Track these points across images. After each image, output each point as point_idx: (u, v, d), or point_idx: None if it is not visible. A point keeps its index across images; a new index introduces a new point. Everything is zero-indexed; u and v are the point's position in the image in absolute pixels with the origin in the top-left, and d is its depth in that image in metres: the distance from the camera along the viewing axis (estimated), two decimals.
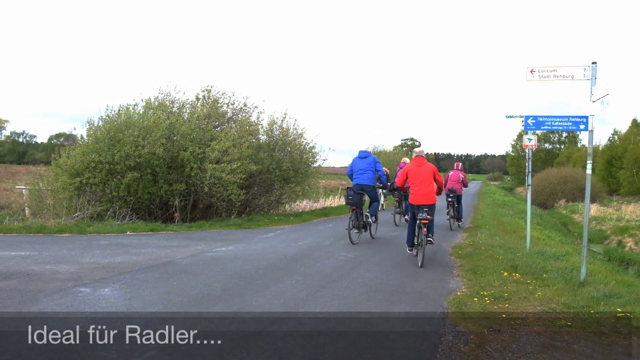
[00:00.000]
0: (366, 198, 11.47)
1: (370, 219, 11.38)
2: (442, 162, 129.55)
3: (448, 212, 14.69)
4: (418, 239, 9.05)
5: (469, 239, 12.43)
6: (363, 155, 11.48)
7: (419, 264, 8.62)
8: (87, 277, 7.13)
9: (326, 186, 25.43)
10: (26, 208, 15.78)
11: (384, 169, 13.14)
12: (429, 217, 8.73)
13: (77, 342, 4.50)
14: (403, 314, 5.74)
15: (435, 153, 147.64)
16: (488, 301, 6.25)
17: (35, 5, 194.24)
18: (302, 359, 4.29)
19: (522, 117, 10.11)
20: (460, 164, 15.77)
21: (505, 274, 7.81)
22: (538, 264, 8.42)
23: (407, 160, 15.01)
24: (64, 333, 4.71)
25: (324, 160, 19.40)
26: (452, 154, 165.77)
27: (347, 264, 8.65)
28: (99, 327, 4.93)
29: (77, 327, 4.90)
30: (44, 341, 4.45)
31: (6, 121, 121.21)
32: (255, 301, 6.07)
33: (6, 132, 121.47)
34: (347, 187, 11.51)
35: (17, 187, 21.94)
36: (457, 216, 14.83)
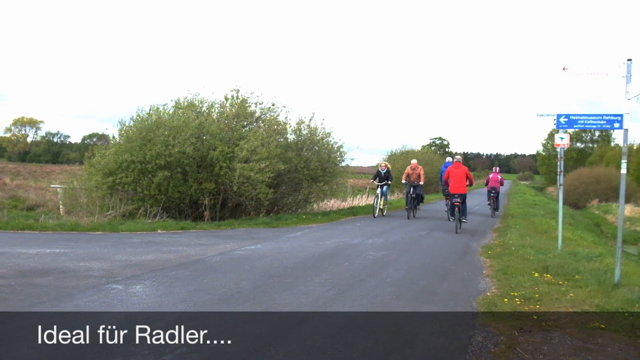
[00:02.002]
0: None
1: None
2: (470, 161, 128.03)
3: (489, 203, 19.16)
4: (455, 217, 13.61)
5: (499, 239, 12.28)
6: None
7: (456, 231, 13.31)
8: (119, 274, 7.28)
9: (354, 185, 25.44)
10: (61, 206, 16.19)
11: (384, 163, 17.57)
12: (459, 200, 13.49)
13: (108, 338, 4.60)
14: (432, 313, 5.70)
15: (464, 152, 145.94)
16: (519, 302, 6.16)
17: (68, 8, 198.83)
18: (331, 358, 4.30)
19: (554, 115, 9.95)
20: (498, 167, 21.22)
21: (536, 274, 7.69)
22: (570, 265, 8.27)
23: (450, 159, 18.14)
24: (98, 329, 4.84)
25: (351, 159, 19.40)
26: (481, 153, 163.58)
27: (376, 263, 8.63)
28: (130, 323, 5.05)
29: (109, 323, 5.03)
30: (73, 340, 4.57)
31: (41, 122, 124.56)
32: (283, 299, 6.11)
33: (41, 133, 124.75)
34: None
35: (52, 186, 22.56)
36: (496, 207, 19.04)
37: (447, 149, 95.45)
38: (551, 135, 63.54)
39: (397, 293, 6.62)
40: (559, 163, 10.35)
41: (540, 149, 76.93)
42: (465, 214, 13.86)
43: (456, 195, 13.55)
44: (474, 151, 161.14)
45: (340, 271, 7.91)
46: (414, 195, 16.69)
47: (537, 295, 6.45)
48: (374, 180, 17.01)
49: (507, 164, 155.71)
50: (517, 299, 6.28)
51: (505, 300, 6.25)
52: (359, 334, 4.92)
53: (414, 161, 17.28)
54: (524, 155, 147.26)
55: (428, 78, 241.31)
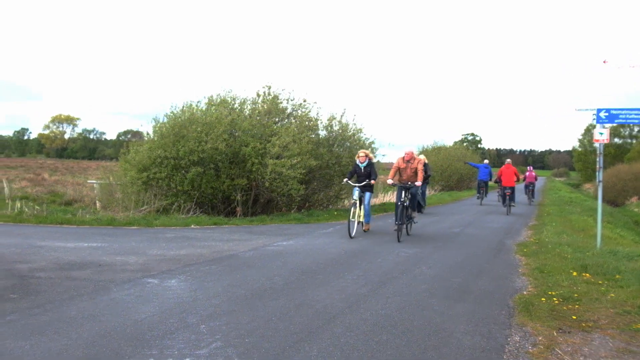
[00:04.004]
0: None
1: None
2: (503, 157, 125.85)
3: (527, 194, 24.33)
4: (505, 204, 18.50)
5: (534, 236, 12.04)
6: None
7: (506, 213, 17.68)
8: (154, 268, 7.39)
9: (385, 181, 25.18)
10: (97, 201, 16.56)
11: (364, 152, 12.31)
12: (509, 191, 18.55)
13: (145, 331, 4.67)
14: (467, 312, 5.60)
15: (496, 149, 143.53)
16: (557, 301, 6.01)
17: (104, 7, 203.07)
18: (365, 356, 4.26)
19: (593, 110, 9.67)
20: (532, 166, 26.92)
21: (575, 273, 7.49)
22: (610, 264, 8.03)
23: (487, 161, 24.26)
24: (134, 323, 4.92)
25: (383, 155, 19.28)
26: (515, 149, 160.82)
27: (408, 261, 8.55)
28: (166, 317, 5.11)
29: (145, 317, 5.11)
30: (112, 333, 4.65)
31: (78, 119, 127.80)
32: (316, 296, 6.10)
33: (78, 130, 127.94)
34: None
35: (88, 181, 23.06)
36: (533, 197, 24.26)
37: (479, 145, 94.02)
38: (588, 131, 61.99)
39: (431, 291, 6.53)
40: (598, 159, 10.06)
41: (576, 144, 75.09)
42: (513, 199, 19.07)
43: (507, 188, 18.68)
44: (507, 147, 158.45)
45: (372, 268, 7.86)
46: (407, 203, 11.16)
47: (575, 295, 6.28)
48: (348, 179, 11.64)
49: (542, 160, 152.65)
50: (554, 299, 6.12)
51: (543, 299, 6.11)
52: (392, 331, 4.87)
53: (408, 149, 11.62)
54: (559, 151, 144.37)
55: (461, 73, 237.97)
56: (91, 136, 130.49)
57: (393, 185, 11.66)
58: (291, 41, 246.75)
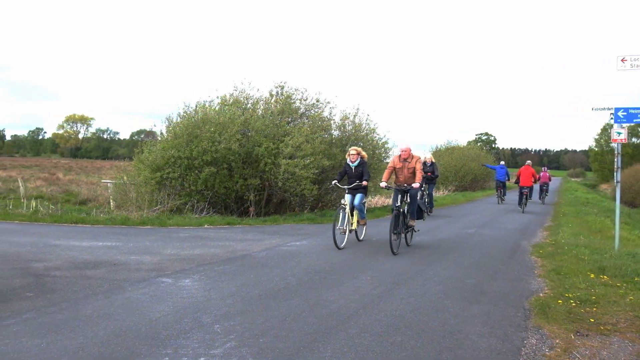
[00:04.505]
0: None
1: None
2: (518, 157, 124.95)
3: (540, 193, 24.95)
4: (522, 203, 19.65)
5: (550, 237, 11.91)
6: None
7: (522, 211, 19.11)
8: (168, 268, 7.41)
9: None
10: (111, 201, 16.66)
11: (355, 150, 10.46)
12: (527, 190, 19.97)
13: (159, 330, 4.68)
14: (482, 314, 5.55)
15: (511, 148, 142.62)
16: (574, 304, 5.93)
17: (116, 8, 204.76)
18: (379, 357, 4.23)
19: (611, 109, 9.55)
20: (546, 167, 28.24)
21: (592, 275, 7.39)
22: (629, 266, 7.90)
23: (503, 162, 25.18)
24: (149, 322, 4.93)
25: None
26: (530, 149, 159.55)
27: (423, 261, 8.49)
28: (180, 316, 5.12)
29: (160, 316, 5.12)
30: (126, 331, 4.66)
31: (92, 119, 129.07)
32: (330, 296, 6.07)
33: (92, 129, 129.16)
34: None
35: (102, 181, 23.23)
36: (546, 195, 25.32)
37: (493, 145, 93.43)
38: (605, 130, 61.25)
39: (445, 292, 6.48)
40: (615, 159, 9.91)
41: (592, 144, 74.21)
42: (531, 196, 21.20)
43: (525, 187, 20.01)
44: (522, 147, 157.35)
45: (386, 268, 7.82)
46: (403, 209, 9.54)
47: (593, 298, 6.19)
48: (338, 180, 10.20)
49: (557, 160, 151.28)
50: (572, 301, 6.04)
51: (560, 301, 6.03)
52: (407, 333, 4.83)
53: (405, 146, 9.99)
54: (575, 151, 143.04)
55: (476, 72, 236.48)
56: (105, 136, 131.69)
57: (387, 188, 9.89)
58: (304, 41, 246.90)
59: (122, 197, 15.70)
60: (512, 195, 26.88)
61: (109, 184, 18.56)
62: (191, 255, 8.38)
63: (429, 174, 16.03)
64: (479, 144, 66.19)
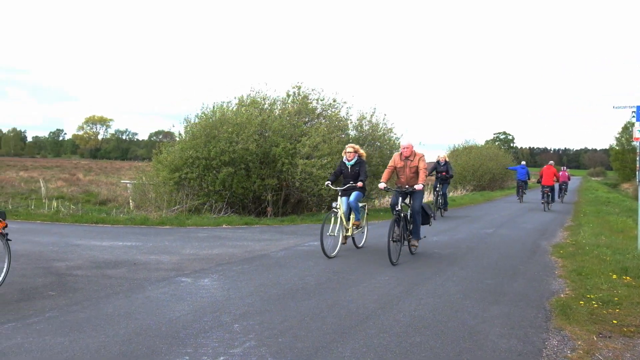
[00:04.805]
0: None
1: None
2: (537, 156, 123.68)
3: (559, 193, 25.52)
4: (543, 200, 20.38)
5: (571, 237, 11.76)
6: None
7: (544, 210, 19.81)
8: (187, 267, 7.47)
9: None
10: (130, 201, 16.84)
11: (352, 147, 9.44)
12: (548, 189, 20.24)
13: (180, 329, 4.72)
14: (502, 314, 5.50)
15: (529, 148, 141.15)
16: (596, 305, 5.84)
17: (135, 10, 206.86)
18: (398, 357, 4.22)
19: (633, 107, 9.40)
20: (565, 166, 28.98)
21: (614, 276, 7.28)
22: None
23: (524, 162, 26.04)
24: (169, 321, 4.97)
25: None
26: (548, 148, 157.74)
27: (442, 261, 8.45)
28: (199, 316, 5.16)
29: (179, 315, 5.17)
30: (147, 330, 4.71)
31: (111, 120, 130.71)
32: (349, 296, 6.07)
33: (111, 130, 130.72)
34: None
35: (122, 181, 23.49)
36: (564, 194, 26.34)
37: (511, 144, 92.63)
38: (626, 129, 60.23)
39: (464, 292, 6.44)
40: (637, 158, 9.75)
41: (613, 143, 73.07)
42: (554, 198, 21.21)
43: (547, 187, 20.41)
44: (541, 146, 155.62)
45: (404, 269, 7.79)
46: (403, 213, 8.58)
47: (616, 299, 6.10)
48: (332, 181, 9.42)
49: (577, 159, 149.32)
50: (594, 302, 5.96)
51: (581, 302, 5.95)
52: (426, 333, 4.81)
53: (406, 142, 9.07)
54: (595, 150, 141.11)
55: (494, 70, 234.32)
56: (124, 137, 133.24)
57: (386, 190, 8.87)
58: (321, 42, 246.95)
59: (141, 198, 15.87)
60: (532, 195, 27.39)
61: (128, 185, 18.77)
62: (210, 255, 8.44)
63: (443, 173, 15.82)
64: (496, 143, 65.66)
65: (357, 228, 9.25)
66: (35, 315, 5.03)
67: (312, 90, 17.32)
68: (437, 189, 15.88)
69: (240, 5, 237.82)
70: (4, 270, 5.91)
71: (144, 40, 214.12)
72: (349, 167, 9.32)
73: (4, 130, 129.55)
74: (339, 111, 17.45)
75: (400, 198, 8.52)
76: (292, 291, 6.25)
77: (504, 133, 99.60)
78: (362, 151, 9.52)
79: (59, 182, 29.65)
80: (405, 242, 8.72)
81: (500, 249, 10.04)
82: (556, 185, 23.34)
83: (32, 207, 14.37)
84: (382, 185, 8.85)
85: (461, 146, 39.80)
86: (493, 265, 8.32)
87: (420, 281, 6.98)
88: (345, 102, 17.61)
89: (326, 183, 9.41)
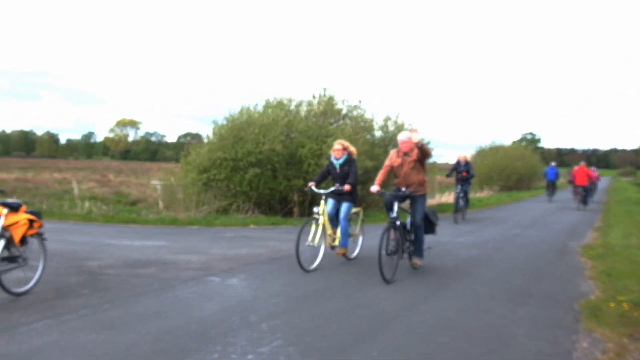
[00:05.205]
0: None
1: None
2: (565, 157, 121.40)
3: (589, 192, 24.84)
4: (578, 201, 20.82)
5: (600, 238, 11.55)
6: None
7: (577, 209, 20.11)
8: (216, 267, 7.59)
9: (441, 182, 24.85)
10: (160, 201, 17.09)
11: (341, 144, 8.28)
12: (581, 189, 20.79)
13: (209, 328, 4.81)
14: (530, 316, 5.46)
15: (557, 148, 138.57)
16: (627, 307, 5.74)
17: (163, 12, 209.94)
18: (425, 358, 4.23)
19: None
20: (594, 167, 30.79)
21: None
22: None
23: (554, 163, 27.12)
24: (199, 320, 5.08)
25: (439, 155, 18.94)
26: (576, 148, 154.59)
27: (468, 262, 8.40)
28: (228, 315, 5.25)
29: (209, 314, 5.27)
30: (177, 329, 4.82)
31: (140, 122, 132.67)
32: (374, 296, 6.09)
33: (140, 132, 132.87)
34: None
35: (151, 182, 23.86)
36: (593, 195, 25.84)
37: (538, 145, 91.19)
38: None
39: (491, 293, 6.40)
40: None
41: None
42: (587, 199, 21.48)
43: (580, 187, 20.93)
44: (568, 147, 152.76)
45: (430, 270, 7.78)
46: (404, 221, 7.41)
47: None
48: (316, 182, 8.24)
49: (606, 159, 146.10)
50: (624, 304, 5.86)
51: (612, 304, 5.86)
52: (452, 334, 4.81)
53: (405, 136, 7.54)
54: (625, 150, 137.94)
55: (520, 70, 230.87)
56: (153, 139, 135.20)
57: (379, 193, 7.51)
58: (346, 42, 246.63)
59: (170, 198, 16.11)
60: (561, 195, 27.78)
61: (157, 186, 19.04)
62: (237, 255, 8.55)
63: (463, 174, 15.22)
64: (523, 144, 64.73)
65: (344, 254, 8.11)
66: (69, 313, 5.18)
67: (338, 91, 17.39)
68: (458, 190, 15.14)
69: (268, 8, 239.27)
70: (40, 268, 6.11)
71: (172, 44, 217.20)
72: (337, 166, 8.19)
73: (39, 133, 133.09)
74: (365, 112, 17.44)
75: (395, 203, 7.18)
76: (319, 291, 6.31)
77: (531, 133, 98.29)
78: (352, 148, 8.35)
79: (91, 183, 30.28)
80: (405, 255, 7.46)
81: (528, 249, 9.93)
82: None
83: (66, 208, 14.73)
84: (374, 188, 7.41)
85: (487, 147, 39.33)
86: (520, 266, 8.24)
87: (446, 282, 6.96)
88: (370, 103, 17.61)
89: (309, 184, 8.17)
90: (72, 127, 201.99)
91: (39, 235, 6.07)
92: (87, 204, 15.15)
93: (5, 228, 5.59)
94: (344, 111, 17.35)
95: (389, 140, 17.52)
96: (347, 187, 7.82)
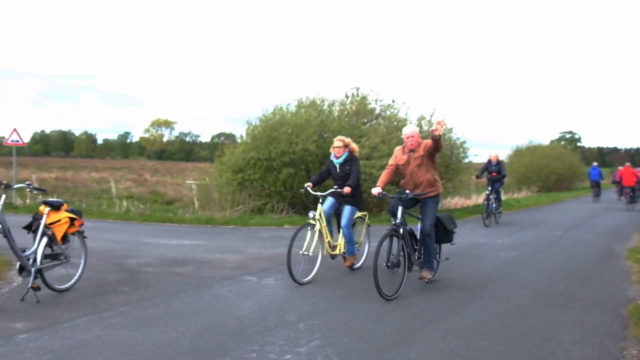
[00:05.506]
0: None
1: None
2: (606, 156, 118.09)
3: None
4: (627, 201, 20.70)
5: None
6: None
7: (627, 210, 19.80)
8: (252, 266, 7.61)
9: (477, 183, 24.45)
10: (195, 201, 17.32)
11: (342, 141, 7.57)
12: (629, 190, 20.73)
13: (247, 326, 4.81)
14: (575, 321, 5.28)
15: (598, 147, 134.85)
16: None
17: (194, 16, 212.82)
18: None
19: None
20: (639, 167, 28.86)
21: None
22: None
23: (596, 164, 26.90)
24: (236, 318, 5.09)
25: (475, 155, 18.66)
26: (619, 147, 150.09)
27: (507, 264, 8.22)
28: (265, 314, 5.24)
29: (246, 313, 5.27)
30: (215, 327, 4.83)
31: (175, 122, 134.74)
32: (413, 298, 6.00)
33: (175, 133, 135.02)
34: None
35: (187, 182, 24.21)
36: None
37: (578, 144, 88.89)
38: None
39: (533, 296, 6.23)
40: None
41: None
42: (635, 200, 21.17)
43: (628, 187, 21.03)
44: (610, 145, 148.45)
45: (468, 271, 7.63)
46: (409, 228, 6.46)
47: None
48: (314, 183, 7.45)
49: None
50: None
51: None
52: (494, 338, 4.69)
53: (410, 130, 6.64)
54: None
55: (558, 68, 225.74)
56: (187, 139, 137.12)
57: (381, 196, 6.54)
58: (379, 41, 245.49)
59: (205, 198, 16.31)
60: (605, 195, 27.74)
61: (192, 185, 19.32)
62: (273, 255, 8.56)
63: (494, 174, 14.29)
64: (562, 143, 63.22)
65: (351, 266, 7.41)
66: (110, 310, 5.27)
67: (371, 91, 17.25)
68: (488, 192, 14.08)
69: (300, 8, 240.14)
70: (82, 266, 6.23)
71: (205, 45, 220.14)
72: (337, 165, 7.42)
73: (77, 134, 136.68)
74: (398, 112, 17.29)
75: (399, 208, 6.21)
76: (356, 291, 6.25)
77: (570, 132, 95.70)
78: (354, 145, 7.58)
79: (127, 183, 30.94)
80: (414, 268, 6.46)
81: (570, 252, 9.65)
82: None
83: (104, 207, 15.06)
84: (376, 190, 6.43)
85: (524, 146, 38.54)
86: (563, 269, 8.01)
87: (486, 284, 6.81)
88: (404, 103, 17.59)
89: (305, 185, 7.39)
90: (108, 127, 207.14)
91: (80, 233, 6.20)
92: (124, 203, 15.46)
93: (48, 226, 5.73)
94: (377, 110, 17.25)
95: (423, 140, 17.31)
96: (347, 189, 7.01)
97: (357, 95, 17.08)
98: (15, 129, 16.17)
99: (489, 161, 14.54)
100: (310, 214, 6.84)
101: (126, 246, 9.06)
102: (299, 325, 4.90)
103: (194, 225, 12.46)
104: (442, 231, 6.71)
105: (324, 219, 7.03)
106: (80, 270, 6.21)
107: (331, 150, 7.57)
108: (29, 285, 5.43)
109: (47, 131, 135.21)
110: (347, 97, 17.29)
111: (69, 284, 6.03)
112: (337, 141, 7.46)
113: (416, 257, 6.45)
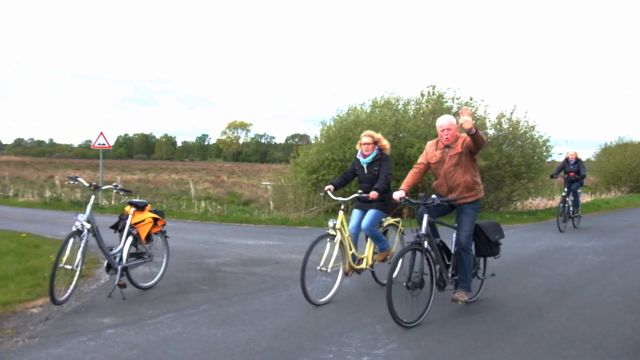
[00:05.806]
0: None
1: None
2: None
3: None
4: None
5: None
6: None
7: None
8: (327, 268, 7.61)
9: (561, 183, 23.29)
10: (271, 202, 17.64)
11: (371, 136, 6.50)
12: None
13: (323, 327, 4.81)
14: None
15: None
16: None
17: (265, 19, 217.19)
18: None
19: None
20: None
21: None
22: None
23: None
24: (314, 319, 5.11)
25: (559, 154, 17.72)
26: None
27: (595, 269, 7.75)
28: (342, 315, 5.23)
29: (323, 314, 5.28)
30: (292, 326, 4.86)
31: (250, 124, 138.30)
32: (492, 302, 5.79)
33: (251, 134, 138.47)
34: None
35: (262, 183, 24.73)
36: None
37: None
38: None
39: (625, 304, 5.83)
40: None
41: None
42: None
43: None
44: None
45: (553, 275, 7.27)
46: (426, 238, 5.21)
47: None
48: (336, 186, 6.69)
49: None
50: None
51: None
52: (583, 347, 4.42)
53: (446, 121, 5.43)
54: None
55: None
56: (262, 140, 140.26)
57: (403, 202, 5.45)
58: (457, 41, 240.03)
59: (280, 199, 16.57)
60: None
61: (268, 186, 19.69)
62: None
63: (571, 174, 12.94)
64: None
65: (383, 260, 6.43)
66: (191, 308, 5.44)
67: (448, 89, 16.96)
68: (565, 193, 12.80)
69: (375, 9, 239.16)
70: (164, 264, 6.49)
71: (278, 48, 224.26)
72: (365, 165, 6.42)
73: (157, 136, 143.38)
74: (476, 109, 16.78)
75: (424, 217, 5.23)
76: (435, 294, 6.09)
77: None
78: (385, 142, 6.46)
79: (205, 184, 32.05)
80: (450, 286, 5.40)
81: None
82: None
83: (184, 207, 15.64)
84: (398, 194, 5.42)
85: (614, 143, 36.27)
86: None
87: (572, 289, 6.45)
88: (482, 100, 16.92)
89: (326, 188, 6.47)
90: (187, 130, 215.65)
91: (163, 233, 6.45)
92: (203, 204, 15.98)
93: (133, 226, 6.00)
94: (454, 109, 16.81)
95: (503, 139, 16.75)
96: (373, 194, 6.04)
97: (433, 93, 16.75)
98: (102, 133, 16.92)
99: (567, 160, 13.29)
100: (330, 223, 5.91)
101: (205, 246, 9.35)
102: (375, 327, 4.85)
103: (270, 226, 12.67)
104: (484, 242, 5.62)
105: (346, 229, 6.13)
106: (162, 268, 6.46)
107: (357, 147, 6.54)
108: (116, 283, 5.71)
109: (130, 134, 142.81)
110: (422, 95, 17.00)
111: (152, 281, 6.29)
112: (365, 137, 6.35)
113: (449, 275, 5.35)
